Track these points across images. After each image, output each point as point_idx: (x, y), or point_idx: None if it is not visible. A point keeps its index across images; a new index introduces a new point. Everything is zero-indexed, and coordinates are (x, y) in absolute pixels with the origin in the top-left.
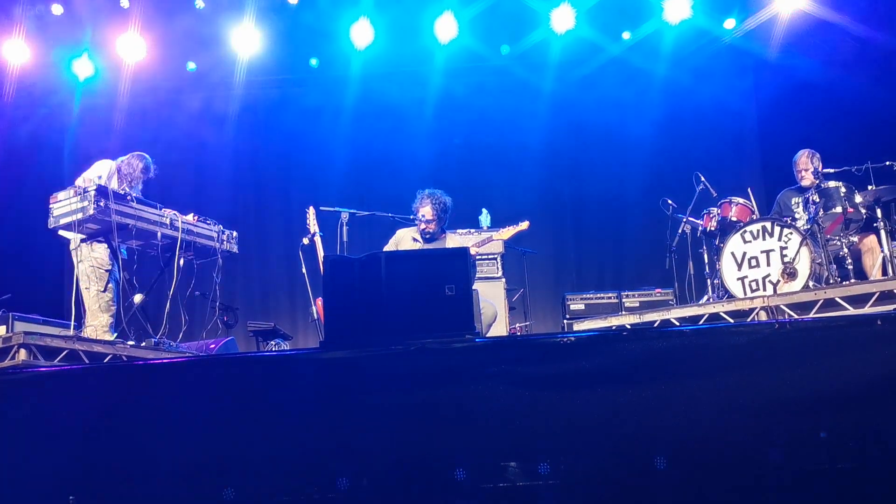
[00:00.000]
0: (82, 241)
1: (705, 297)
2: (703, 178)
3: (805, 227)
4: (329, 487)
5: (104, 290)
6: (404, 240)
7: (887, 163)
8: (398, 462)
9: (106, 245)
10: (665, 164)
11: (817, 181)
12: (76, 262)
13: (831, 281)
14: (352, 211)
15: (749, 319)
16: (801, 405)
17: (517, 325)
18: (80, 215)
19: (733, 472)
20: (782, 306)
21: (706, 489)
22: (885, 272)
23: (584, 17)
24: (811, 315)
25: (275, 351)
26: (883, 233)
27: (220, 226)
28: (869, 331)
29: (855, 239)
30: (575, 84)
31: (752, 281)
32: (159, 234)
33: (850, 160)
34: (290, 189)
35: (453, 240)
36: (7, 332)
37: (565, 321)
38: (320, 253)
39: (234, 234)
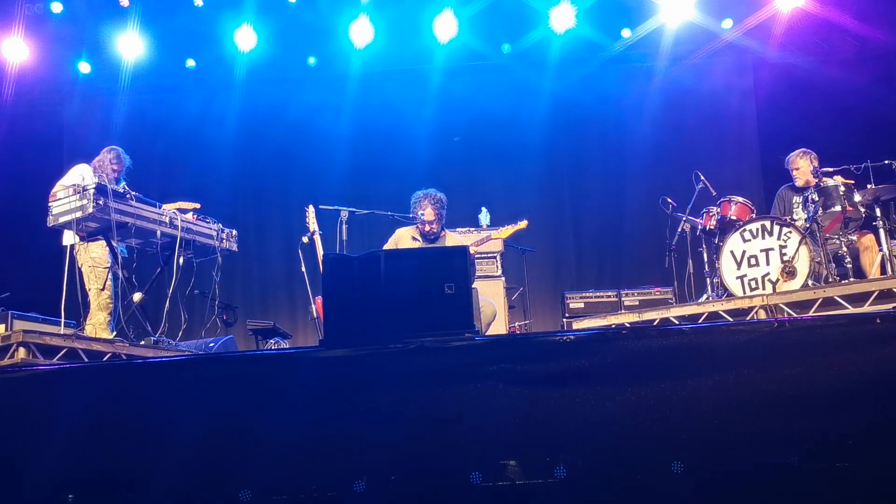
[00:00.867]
0: (81, 239)
1: (704, 296)
2: (702, 177)
3: (804, 226)
4: (330, 488)
5: (102, 289)
6: (404, 239)
7: (886, 161)
8: (398, 461)
9: (103, 243)
10: (665, 163)
11: (816, 180)
12: (76, 260)
13: (830, 280)
14: (351, 209)
15: (748, 318)
16: (800, 404)
17: (516, 323)
18: (79, 213)
19: (732, 470)
20: (781, 305)
21: (708, 489)
22: (883, 271)
23: (584, 15)
24: (810, 314)
25: (274, 349)
26: (882, 231)
27: (220, 224)
28: (868, 329)
29: (854, 237)
30: (574, 82)
31: (752, 280)
32: (158, 233)
33: (849, 159)
34: (290, 187)
35: (453, 238)
36: (6, 330)
37: (564, 320)
38: (319, 251)
39: (234, 232)
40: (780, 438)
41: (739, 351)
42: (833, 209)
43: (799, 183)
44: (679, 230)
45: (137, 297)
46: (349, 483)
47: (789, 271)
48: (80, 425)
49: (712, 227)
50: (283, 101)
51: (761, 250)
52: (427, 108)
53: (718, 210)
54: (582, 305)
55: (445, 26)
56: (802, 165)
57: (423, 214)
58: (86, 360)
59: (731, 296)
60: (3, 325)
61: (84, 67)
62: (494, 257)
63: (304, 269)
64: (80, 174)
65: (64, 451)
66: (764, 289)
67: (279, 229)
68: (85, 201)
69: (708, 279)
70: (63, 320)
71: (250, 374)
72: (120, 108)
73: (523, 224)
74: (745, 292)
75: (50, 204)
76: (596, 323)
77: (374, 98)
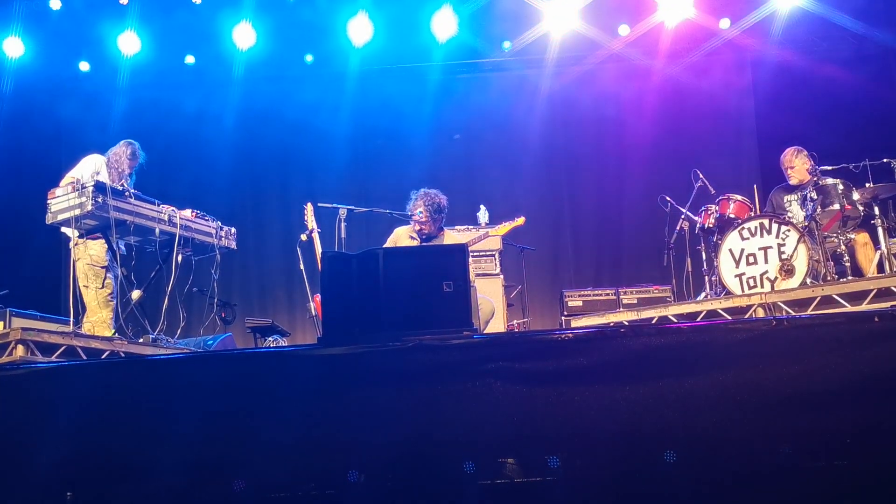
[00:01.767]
0: (79, 237)
1: (703, 294)
2: (701, 175)
3: (803, 224)
4: (329, 485)
5: (102, 287)
6: (402, 238)
7: (885, 160)
8: (396, 458)
9: (102, 241)
10: (663, 161)
11: (813, 178)
12: (74, 258)
13: (829, 278)
14: (350, 207)
15: (746, 316)
16: (798, 402)
17: (515, 321)
18: (77, 211)
19: (731, 469)
20: (780, 303)
21: (706, 487)
22: (881, 269)
23: (582, 12)
24: (808, 312)
25: (272, 347)
26: (880, 230)
27: (219, 222)
28: (866, 327)
29: (852, 236)
30: (573, 80)
31: (750, 278)
32: (157, 231)
33: (848, 157)
34: (288, 185)
35: (451, 237)
36: (4, 327)
37: (563, 318)
38: (318, 249)
39: (233, 230)
40: (778, 436)
41: (737, 349)
42: (832, 207)
43: (793, 181)
44: (677, 228)
45: (136, 294)
46: (347, 480)
47: (788, 269)
48: (79, 422)
49: (711, 226)
50: (282, 99)
51: (760, 248)
52: (426, 105)
53: (717, 208)
54: (580, 303)
55: (444, 24)
56: (797, 164)
57: (416, 213)
58: (84, 357)
59: (729, 294)
60: (1, 323)
61: (83, 65)
62: (493, 255)
63: (302, 266)
64: (95, 166)
65: (62, 449)
66: (762, 287)
67: (278, 227)
68: (84, 199)
69: (706, 277)
70: (71, 318)
71: (249, 372)
72: (118, 105)
73: (521, 221)
74: (743, 290)
75: (48, 202)
76: (594, 321)
77: (373, 96)
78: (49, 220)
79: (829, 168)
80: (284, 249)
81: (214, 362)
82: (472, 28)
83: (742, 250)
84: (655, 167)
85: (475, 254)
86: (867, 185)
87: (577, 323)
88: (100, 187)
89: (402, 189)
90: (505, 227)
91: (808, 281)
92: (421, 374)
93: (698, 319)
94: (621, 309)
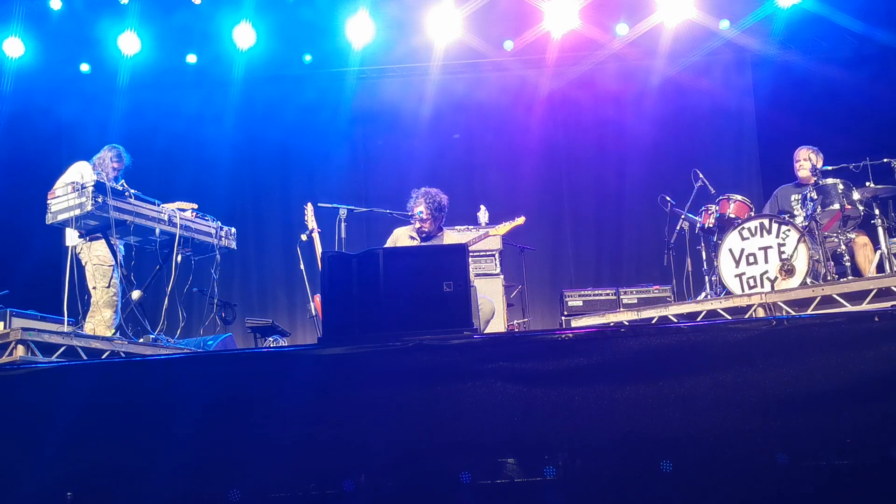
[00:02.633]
0: (80, 236)
1: (703, 294)
2: (701, 175)
3: (803, 224)
4: (329, 485)
5: (108, 286)
6: (401, 238)
7: (885, 160)
8: (396, 458)
9: (105, 241)
10: (663, 161)
11: (815, 178)
12: (83, 262)
13: (829, 278)
14: (350, 207)
15: (747, 316)
16: (798, 402)
17: (515, 321)
18: (77, 211)
19: (731, 468)
20: (780, 303)
21: (706, 486)
22: (881, 269)
23: (582, 12)
24: (809, 311)
25: (273, 347)
26: (880, 230)
27: (219, 222)
28: (866, 327)
29: (852, 236)
30: (573, 80)
31: (750, 278)
32: (157, 231)
33: (848, 157)
34: (289, 185)
35: (451, 237)
36: (5, 327)
37: (563, 318)
38: (318, 249)
39: (233, 230)
40: (779, 436)
41: (737, 349)
42: (832, 207)
43: (801, 174)
44: (678, 228)
45: (136, 294)
46: (347, 481)
47: (788, 269)
48: (79, 423)
49: (711, 226)
50: (283, 99)
51: (760, 248)
52: (426, 105)
53: (717, 208)
54: (580, 303)
55: (444, 24)
56: (806, 162)
57: (417, 213)
58: (84, 357)
59: (729, 294)
60: (1, 323)
61: (83, 65)
62: (493, 255)
63: (302, 266)
64: (80, 172)
65: (63, 449)
66: (762, 287)
67: (278, 227)
68: (84, 199)
69: (706, 277)
70: (66, 318)
71: (249, 372)
72: (118, 105)
73: (521, 221)
74: (743, 290)
75: (49, 202)
76: (594, 321)
77: (373, 95)
78: (49, 220)
79: (830, 168)
80: (284, 249)
81: (214, 362)
82: (472, 28)
83: (742, 250)
84: (655, 167)
85: (475, 254)
86: (867, 184)
87: (577, 323)
88: (100, 187)
89: (402, 189)
90: (505, 227)
91: (809, 281)
92: (421, 374)
93: (698, 319)
94: (621, 309)
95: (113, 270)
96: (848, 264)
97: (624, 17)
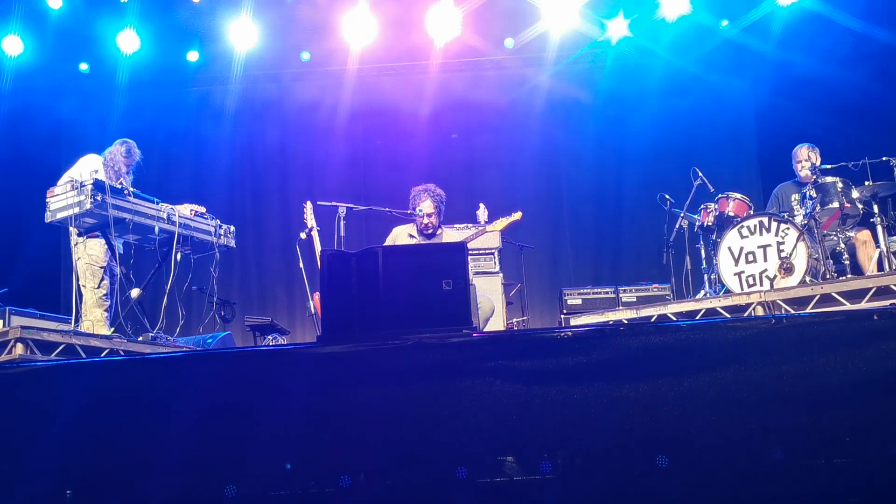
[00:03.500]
0: (78, 235)
1: (702, 293)
2: (700, 174)
3: (802, 223)
4: (329, 483)
5: (98, 287)
6: (401, 237)
7: (884, 158)
8: (395, 456)
9: (102, 241)
10: (662, 159)
11: (814, 176)
12: (75, 258)
13: (828, 276)
14: (349, 205)
15: (746, 314)
16: (797, 400)
17: (514, 319)
18: (76, 209)
19: (729, 466)
20: (779, 301)
21: (703, 484)
22: (881, 267)
23: (582, 9)
24: (808, 310)
25: (272, 345)
26: (880, 228)
27: (218, 220)
28: (865, 326)
29: (852, 234)
30: (573, 79)
31: (749, 276)
32: (156, 229)
33: (847, 156)
34: (288, 184)
35: (450, 235)
36: (4, 326)
37: (562, 316)
38: (318, 247)
39: (232, 228)
40: (778, 435)
41: (736, 347)
42: (831, 206)
43: (802, 174)
44: (677, 227)
45: (135, 292)
46: (347, 478)
47: (787, 268)
48: (79, 421)
49: (710, 224)
50: (282, 97)
51: (759, 247)
52: (425, 104)
53: (716, 206)
54: (579, 302)
55: (444, 22)
56: (807, 162)
57: (422, 209)
58: (83, 356)
59: (728, 292)
60: (0, 321)
61: (82, 63)
62: (492, 253)
63: (302, 265)
64: (93, 166)
65: (62, 447)
66: (761, 285)
67: (277, 225)
68: (83, 197)
69: (706, 276)
70: (74, 315)
71: (248, 370)
72: (118, 103)
73: (517, 216)
74: (742, 289)
75: (48, 200)
76: (593, 319)
77: (373, 94)
78: (48, 218)
79: (829, 167)
80: (284, 248)
81: (214, 360)
82: (472, 26)
83: (741, 248)
84: (655, 165)
85: (474, 252)
86: (866, 183)
87: (576, 321)
88: (98, 185)
89: (402, 187)
90: (502, 223)
91: (808, 279)
92: (420, 372)
93: (697, 318)
94: (620, 307)
95: (104, 271)
96: (847, 262)
97: (624, 14)
